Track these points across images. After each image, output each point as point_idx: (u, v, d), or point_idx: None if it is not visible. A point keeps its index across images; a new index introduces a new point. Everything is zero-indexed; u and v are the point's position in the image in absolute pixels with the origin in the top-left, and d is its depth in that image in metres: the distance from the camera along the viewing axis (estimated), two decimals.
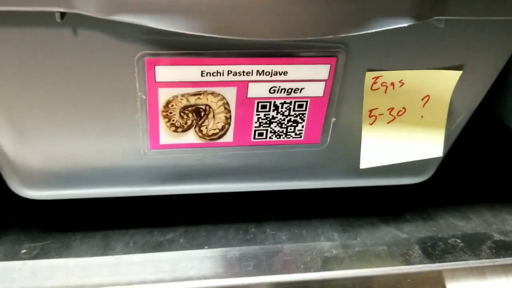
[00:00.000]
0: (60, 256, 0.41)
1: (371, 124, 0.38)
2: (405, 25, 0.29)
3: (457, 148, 0.48)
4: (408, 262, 0.40)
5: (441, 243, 0.42)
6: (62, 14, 0.27)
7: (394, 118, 0.38)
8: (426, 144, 0.39)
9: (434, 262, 0.40)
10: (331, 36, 0.28)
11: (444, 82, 0.37)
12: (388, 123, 0.38)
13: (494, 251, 0.42)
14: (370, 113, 0.37)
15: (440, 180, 0.51)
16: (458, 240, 0.42)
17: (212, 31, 0.27)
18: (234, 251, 0.38)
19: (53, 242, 0.42)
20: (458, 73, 0.36)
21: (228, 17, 0.27)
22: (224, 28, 0.27)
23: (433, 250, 0.41)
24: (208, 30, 0.27)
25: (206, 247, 0.43)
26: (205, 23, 0.27)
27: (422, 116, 0.38)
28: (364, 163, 0.39)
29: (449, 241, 0.42)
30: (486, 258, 0.41)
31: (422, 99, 0.37)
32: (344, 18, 0.28)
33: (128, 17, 0.26)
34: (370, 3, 0.28)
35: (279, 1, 0.27)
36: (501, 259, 0.41)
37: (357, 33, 0.28)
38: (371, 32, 0.29)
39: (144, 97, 0.33)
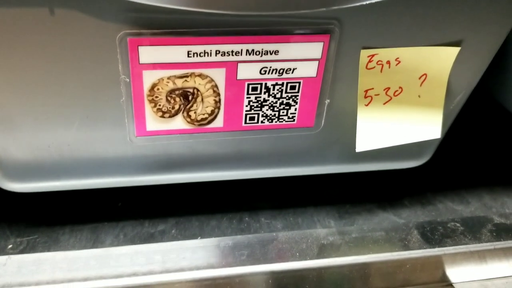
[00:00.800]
0: (48, 251, 0.39)
1: (366, 105, 0.36)
2: None
3: (455, 131, 0.47)
4: (406, 248, 0.38)
5: (440, 228, 0.41)
6: None
7: (391, 98, 0.36)
8: (424, 125, 0.38)
9: (434, 247, 0.39)
10: (324, 9, 0.27)
11: (442, 59, 0.35)
12: (384, 103, 0.36)
13: (494, 234, 0.41)
14: (366, 94, 0.36)
15: (438, 164, 0.49)
16: (458, 224, 0.41)
17: (195, 4, 0.25)
18: (227, 240, 0.37)
19: (40, 236, 0.41)
20: (456, 49, 0.35)
21: None
22: (207, 1, 0.26)
23: (432, 235, 0.40)
24: (190, 3, 0.25)
25: (199, 237, 0.41)
26: None
27: (419, 96, 0.37)
28: (360, 146, 0.37)
29: (448, 225, 0.41)
30: (486, 242, 0.40)
31: (419, 78, 0.36)
32: None
33: None
34: None
35: None
36: (502, 242, 0.40)
37: (352, 4, 0.27)
38: (366, 5, 0.27)
39: (128, 80, 0.31)
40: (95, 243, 0.41)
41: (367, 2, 0.27)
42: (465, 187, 0.50)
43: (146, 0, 0.25)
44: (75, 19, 0.28)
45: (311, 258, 0.36)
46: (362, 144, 0.37)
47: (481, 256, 0.40)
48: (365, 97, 0.36)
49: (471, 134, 0.57)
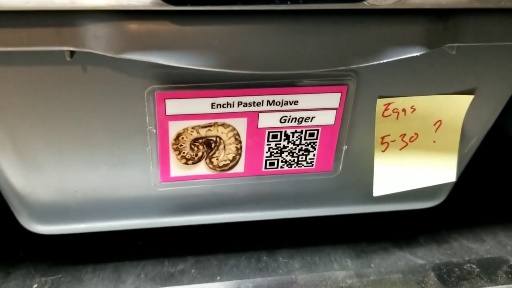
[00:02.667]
0: None
1: (383, 151, 0.37)
2: (418, 54, 0.29)
3: (468, 169, 0.47)
4: None
5: (456, 269, 0.41)
6: (72, 53, 0.27)
7: (407, 144, 0.37)
8: (439, 169, 0.39)
9: None
10: (343, 68, 0.28)
11: (456, 106, 0.36)
12: (400, 149, 0.37)
13: (510, 276, 0.41)
14: (382, 140, 0.37)
15: (452, 202, 0.50)
16: (474, 266, 0.42)
17: (223, 66, 0.27)
18: (247, 283, 0.38)
19: (64, 275, 0.42)
20: (470, 97, 0.36)
21: (239, 51, 0.27)
22: (235, 63, 0.27)
23: (449, 277, 0.40)
24: (218, 65, 0.27)
25: (218, 277, 0.42)
26: (215, 58, 0.27)
27: (434, 141, 0.38)
28: (377, 191, 0.38)
29: (464, 266, 0.41)
30: (502, 284, 0.40)
31: (434, 124, 0.37)
32: (356, 48, 0.28)
33: (138, 55, 0.26)
34: (382, 33, 0.28)
35: (290, 33, 0.27)
36: None
37: (370, 63, 0.28)
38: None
39: (154, 131, 0.33)
40: (117, 283, 0.41)
41: (385, 61, 0.28)
42: (480, 225, 0.50)
43: (175, 62, 0.26)
44: (106, 75, 0.30)
45: None
46: (380, 188, 0.38)
47: None
48: (382, 143, 0.37)
49: (484, 171, 0.58)
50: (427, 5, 0.26)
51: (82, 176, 0.35)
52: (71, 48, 0.26)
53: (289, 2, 0.23)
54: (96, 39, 0.25)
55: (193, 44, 0.26)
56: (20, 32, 0.25)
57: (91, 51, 0.26)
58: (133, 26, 0.26)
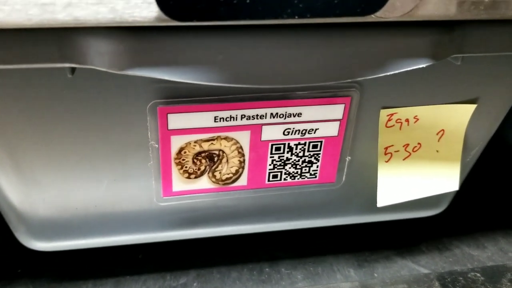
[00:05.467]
0: None
1: (387, 162, 0.37)
2: (424, 65, 0.28)
3: (470, 176, 0.47)
4: None
5: (461, 278, 0.41)
6: (73, 69, 0.27)
7: (410, 154, 0.37)
8: (442, 178, 0.39)
9: None
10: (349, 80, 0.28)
11: (458, 116, 0.36)
12: (403, 159, 0.37)
13: None
14: (386, 151, 0.36)
15: (453, 209, 0.50)
16: (478, 274, 0.41)
17: (228, 81, 0.26)
18: None
19: None
20: (473, 107, 0.36)
21: (244, 66, 0.27)
22: (240, 77, 0.26)
23: (453, 286, 0.40)
24: (224, 80, 0.26)
25: None
26: (220, 73, 0.26)
27: (437, 151, 0.38)
28: (381, 202, 0.38)
29: (469, 275, 0.41)
30: None
31: (437, 134, 0.37)
32: (362, 61, 0.28)
33: (142, 71, 0.26)
34: (388, 45, 0.28)
35: (296, 47, 0.27)
36: None
37: (375, 76, 0.28)
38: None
39: (156, 145, 0.32)
40: None
41: (391, 73, 0.28)
42: (481, 232, 0.50)
43: (180, 78, 0.26)
44: (107, 91, 0.29)
45: None
46: (383, 199, 0.38)
47: None
48: (385, 153, 0.37)
49: (484, 178, 0.57)
50: (434, 17, 0.26)
51: (83, 192, 0.35)
52: (74, 65, 0.26)
53: (296, 17, 0.23)
54: (99, 56, 0.25)
55: (198, 60, 0.26)
56: (21, 49, 0.24)
57: (93, 67, 0.26)
58: (137, 42, 0.25)
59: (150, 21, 0.24)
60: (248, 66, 0.27)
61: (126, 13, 0.23)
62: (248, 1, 0.22)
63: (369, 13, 0.24)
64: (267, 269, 0.44)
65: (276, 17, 0.23)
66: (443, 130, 0.37)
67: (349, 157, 0.37)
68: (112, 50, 0.25)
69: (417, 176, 0.38)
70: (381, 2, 0.24)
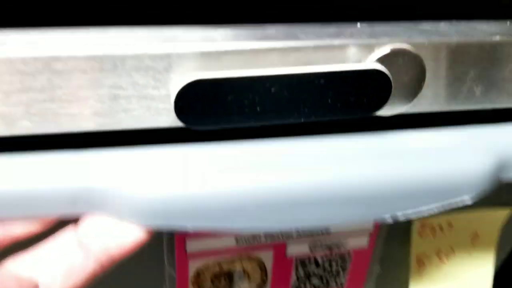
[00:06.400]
0: None
1: (419, 269, 0.34)
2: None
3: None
4: None
5: None
6: None
7: (443, 260, 0.35)
8: (475, 281, 0.36)
9: None
10: None
11: (492, 221, 0.34)
12: (436, 266, 0.35)
13: None
14: (418, 259, 0.34)
15: None
16: None
17: (257, 228, 0.24)
18: None
19: None
20: (506, 212, 0.34)
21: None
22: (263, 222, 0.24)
23: None
24: (251, 228, 0.24)
25: None
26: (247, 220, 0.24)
27: (470, 255, 0.35)
28: None
29: None
30: None
31: (470, 239, 0.34)
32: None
33: (163, 223, 0.23)
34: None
35: (321, 187, 0.24)
36: None
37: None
38: None
39: (173, 272, 0.29)
40: None
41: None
42: None
43: (205, 227, 0.23)
44: None
45: None
46: None
47: None
48: (418, 262, 0.34)
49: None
50: None
51: None
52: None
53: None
54: (120, 207, 0.22)
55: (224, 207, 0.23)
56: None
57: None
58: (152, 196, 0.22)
59: None
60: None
61: None
62: None
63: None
64: None
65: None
66: (476, 234, 0.34)
67: (379, 267, 0.34)
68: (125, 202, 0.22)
69: (450, 281, 0.35)
70: None
